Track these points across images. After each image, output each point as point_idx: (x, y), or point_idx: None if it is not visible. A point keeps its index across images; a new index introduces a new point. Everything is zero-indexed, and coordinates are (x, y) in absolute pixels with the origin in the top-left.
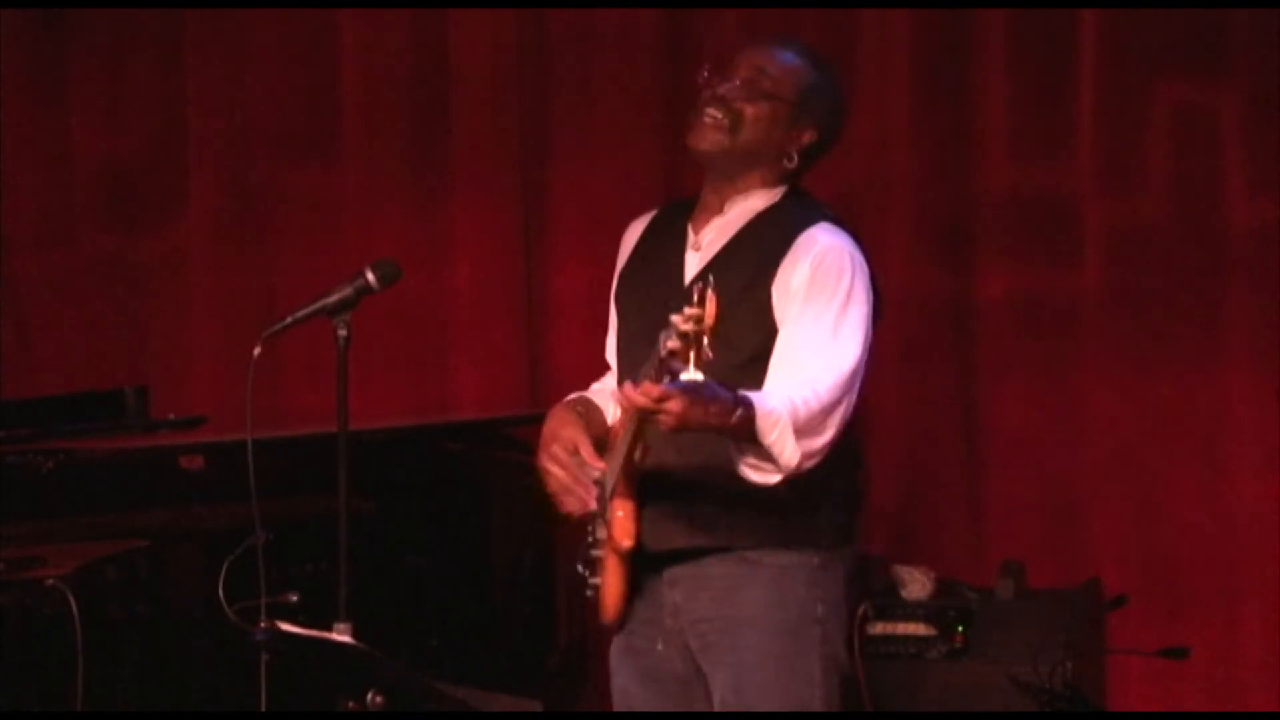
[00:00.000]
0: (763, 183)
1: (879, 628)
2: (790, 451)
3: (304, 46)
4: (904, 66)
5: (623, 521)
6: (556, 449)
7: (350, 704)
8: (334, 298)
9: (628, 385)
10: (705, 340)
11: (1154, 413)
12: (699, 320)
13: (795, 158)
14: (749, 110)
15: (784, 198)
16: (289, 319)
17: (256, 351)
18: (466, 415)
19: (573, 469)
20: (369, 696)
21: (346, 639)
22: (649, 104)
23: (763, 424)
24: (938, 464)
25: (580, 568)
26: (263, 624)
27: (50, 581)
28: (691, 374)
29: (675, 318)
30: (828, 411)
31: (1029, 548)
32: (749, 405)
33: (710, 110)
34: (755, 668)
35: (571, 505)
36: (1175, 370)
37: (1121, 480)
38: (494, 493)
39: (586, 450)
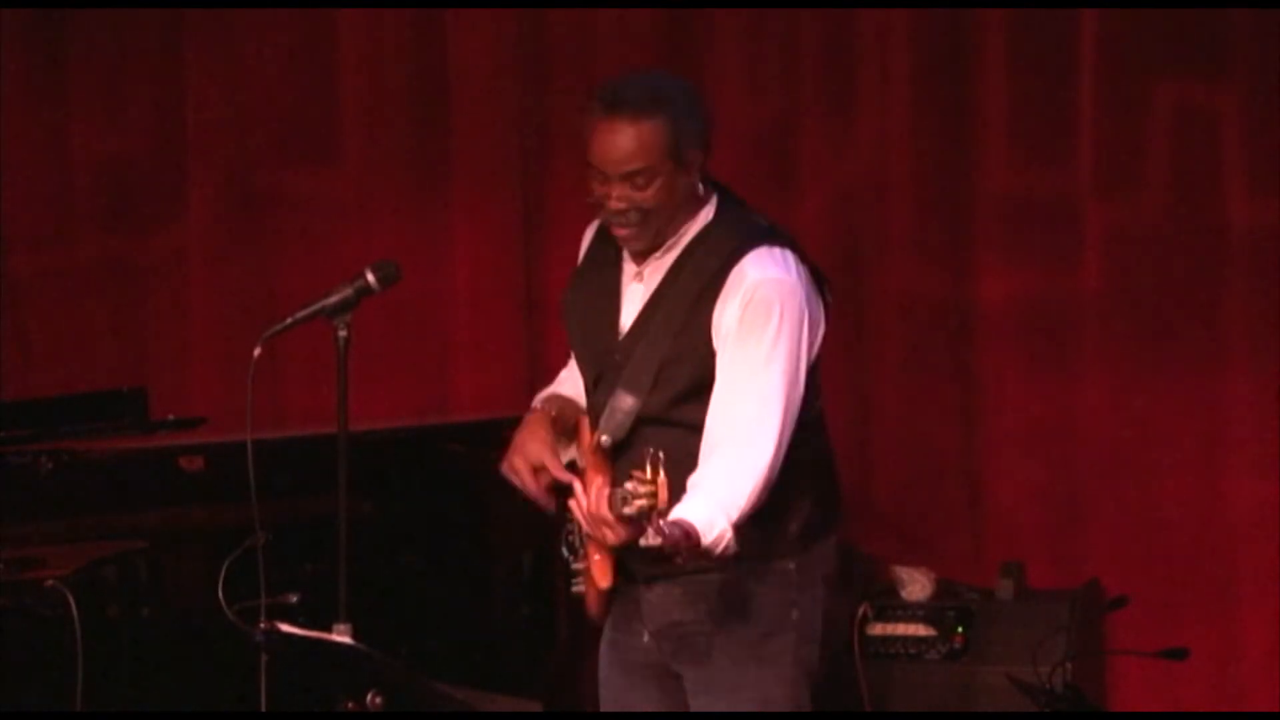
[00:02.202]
0: (690, 216)
1: (879, 628)
2: (734, 547)
3: (304, 47)
4: (904, 66)
5: (600, 564)
6: (518, 462)
7: (350, 704)
8: (334, 298)
9: (594, 498)
10: (660, 514)
11: (1154, 413)
12: (652, 496)
13: (699, 178)
14: (648, 199)
15: (716, 214)
16: (289, 320)
17: (256, 352)
18: (466, 416)
19: (531, 484)
20: (369, 696)
21: (346, 639)
22: None
23: (712, 546)
24: (938, 464)
25: (564, 551)
26: (263, 624)
27: (50, 582)
28: (650, 540)
29: (630, 486)
30: (761, 489)
31: (1029, 548)
32: (695, 545)
33: (618, 228)
34: (724, 666)
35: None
36: (1175, 370)
37: (1121, 481)
38: (494, 493)
39: (555, 467)
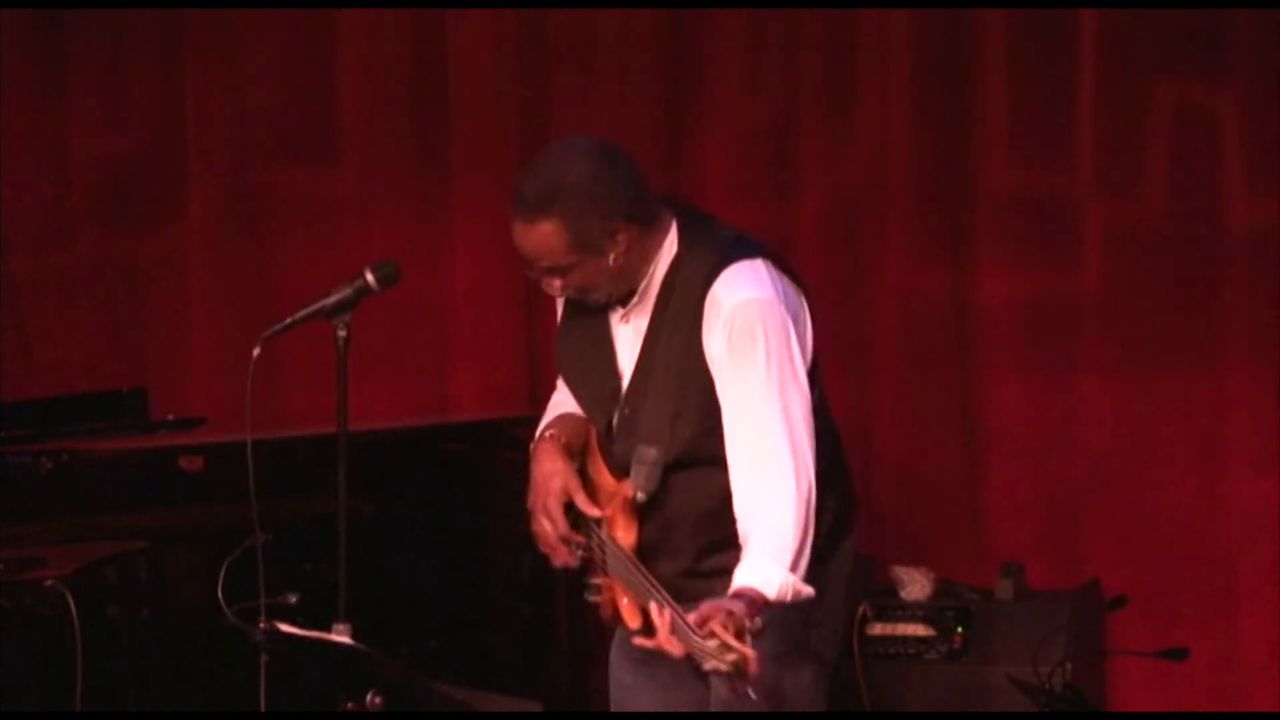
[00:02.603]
0: (652, 255)
1: (878, 628)
2: (805, 588)
3: (304, 47)
4: (904, 66)
5: (629, 608)
6: (551, 503)
7: (350, 704)
8: (333, 299)
9: (665, 628)
10: (749, 681)
11: (1153, 413)
12: (737, 667)
13: (626, 252)
14: (577, 281)
15: (681, 239)
16: (289, 320)
17: (256, 352)
18: (466, 415)
19: (563, 526)
20: (369, 696)
21: (346, 639)
22: (649, 104)
23: (781, 597)
24: (938, 464)
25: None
26: (263, 624)
27: (50, 582)
28: (735, 697)
29: (712, 645)
30: (806, 522)
31: (1029, 548)
32: (765, 605)
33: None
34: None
35: (555, 559)
36: (1175, 370)
37: (1121, 481)
38: (494, 493)
39: (581, 500)
